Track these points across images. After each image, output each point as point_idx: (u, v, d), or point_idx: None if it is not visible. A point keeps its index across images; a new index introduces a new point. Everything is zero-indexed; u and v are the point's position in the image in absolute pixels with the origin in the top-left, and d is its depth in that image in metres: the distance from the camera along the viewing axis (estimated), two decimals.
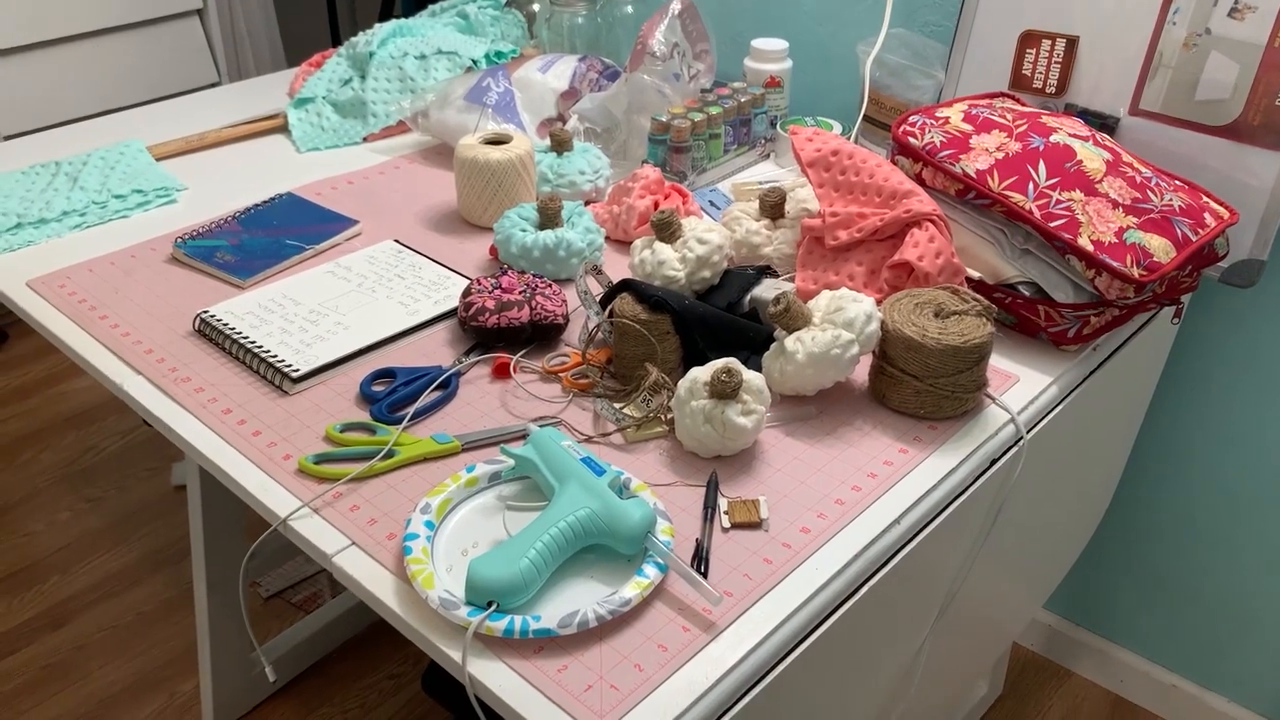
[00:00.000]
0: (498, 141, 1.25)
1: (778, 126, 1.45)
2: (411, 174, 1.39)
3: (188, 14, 2.47)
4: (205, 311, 1.06)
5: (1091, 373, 1.06)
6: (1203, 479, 1.45)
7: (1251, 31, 1.09)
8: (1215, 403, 1.39)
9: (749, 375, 0.89)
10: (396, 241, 1.20)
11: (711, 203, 1.33)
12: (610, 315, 0.99)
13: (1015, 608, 1.33)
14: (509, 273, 1.06)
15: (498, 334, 1.01)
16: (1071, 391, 1.03)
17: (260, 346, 1.00)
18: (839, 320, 0.92)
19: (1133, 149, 1.18)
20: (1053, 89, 1.24)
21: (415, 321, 1.06)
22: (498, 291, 1.04)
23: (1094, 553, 1.60)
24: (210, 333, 1.04)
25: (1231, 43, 1.11)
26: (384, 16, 2.41)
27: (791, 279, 1.10)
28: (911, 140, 1.10)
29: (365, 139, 1.48)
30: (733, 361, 0.89)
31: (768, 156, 1.46)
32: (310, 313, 1.07)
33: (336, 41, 2.70)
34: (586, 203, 1.31)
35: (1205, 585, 1.50)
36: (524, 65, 1.45)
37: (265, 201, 1.28)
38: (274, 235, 1.21)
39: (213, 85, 2.51)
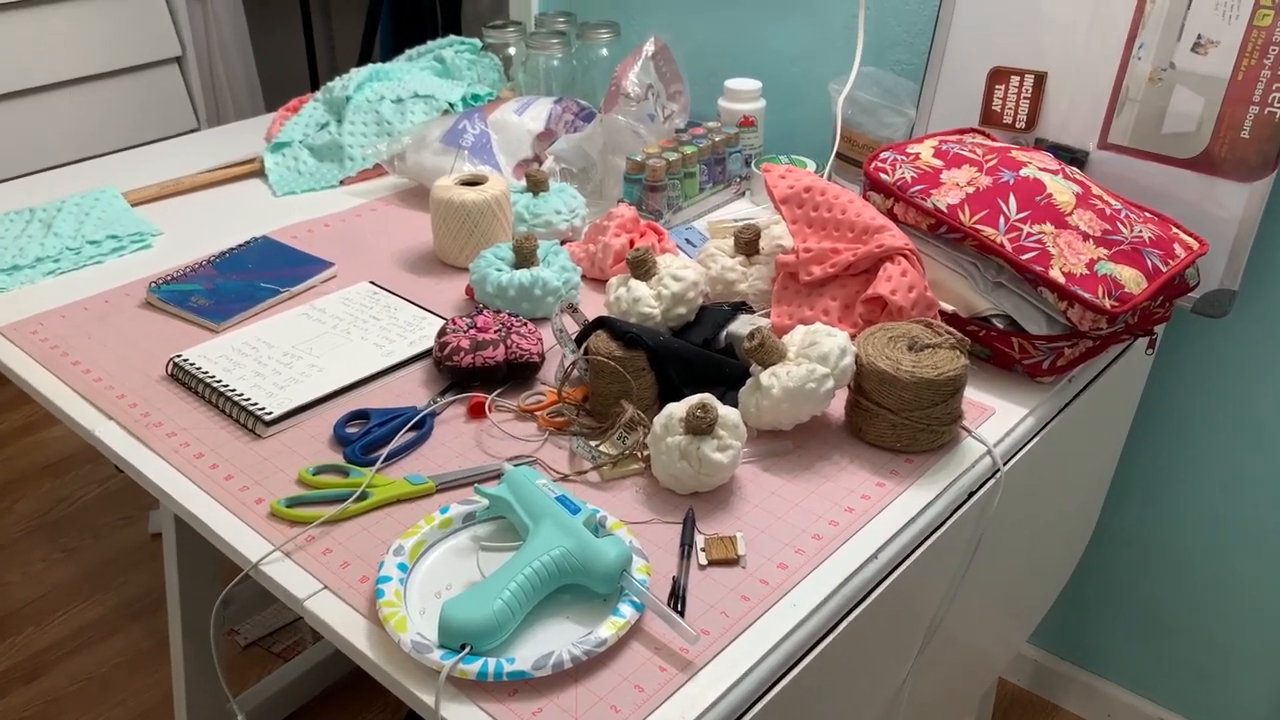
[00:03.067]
0: (474, 183, 1.26)
1: (752, 165, 1.46)
2: (388, 216, 1.39)
3: (167, 61, 2.48)
4: (178, 355, 1.05)
5: (1067, 404, 1.06)
6: (1185, 509, 1.45)
7: (1215, 65, 1.11)
8: (1193, 433, 1.40)
9: (724, 411, 0.89)
10: (372, 283, 1.20)
11: (688, 240, 1.34)
12: (586, 353, 0.99)
13: (999, 641, 1.32)
14: (484, 312, 1.06)
15: (473, 373, 1.01)
16: (1048, 423, 1.03)
17: (233, 390, 1.00)
18: (814, 355, 0.93)
19: (1103, 182, 1.20)
20: (1022, 124, 1.25)
21: (390, 362, 1.05)
22: (473, 331, 1.03)
23: (1078, 585, 1.60)
24: (183, 377, 1.03)
25: (1196, 77, 1.12)
26: (363, 61, 2.43)
27: (767, 315, 1.11)
28: (883, 176, 1.11)
29: (342, 182, 1.49)
30: (708, 397, 0.89)
31: (743, 194, 1.47)
32: (284, 355, 1.06)
33: (315, 86, 2.72)
34: (563, 242, 1.31)
35: (1191, 616, 1.50)
36: (500, 107, 1.46)
37: (240, 245, 1.28)
38: (249, 278, 1.20)
39: (192, 131, 2.52)
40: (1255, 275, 1.25)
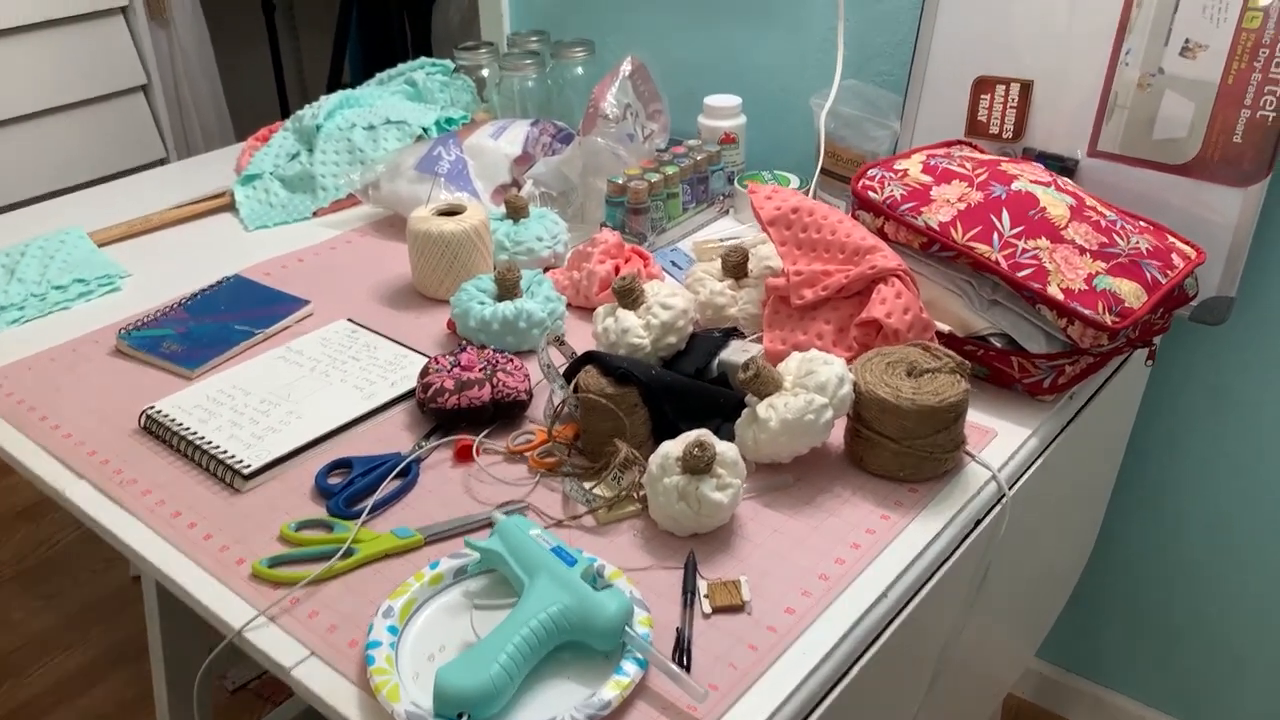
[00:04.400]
0: (451, 212, 1.22)
1: (735, 182, 1.43)
2: (364, 248, 1.35)
3: (132, 90, 2.43)
4: (151, 407, 1.01)
5: (1069, 422, 1.04)
6: (1186, 517, 1.43)
7: (1204, 69, 1.09)
8: (1193, 441, 1.37)
9: (722, 447, 0.85)
10: (350, 320, 1.17)
11: (673, 263, 1.31)
12: (575, 389, 0.95)
13: (1008, 661, 1.29)
14: (468, 349, 1.03)
15: (459, 415, 0.97)
16: (1051, 442, 1.01)
17: (209, 442, 0.96)
18: (811, 384, 0.90)
19: (1094, 190, 1.17)
20: (1009, 134, 1.23)
21: (372, 406, 1.02)
22: (457, 370, 1.00)
23: (1082, 596, 1.58)
24: (157, 430, 0.99)
25: (1185, 81, 1.10)
26: (332, 85, 2.39)
27: (759, 340, 1.08)
28: (871, 195, 1.08)
29: (315, 214, 1.45)
30: (705, 434, 0.86)
31: (727, 212, 1.44)
32: (261, 402, 1.02)
33: (285, 109, 2.67)
34: (545, 269, 1.28)
35: (1195, 625, 1.48)
36: (476, 132, 1.43)
37: (212, 285, 1.24)
38: (222, 321, 1.17)
39: (160, 161, 2.47)
40: (1252, 281, 1.23)
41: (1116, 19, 1.13)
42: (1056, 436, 1.02)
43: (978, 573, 0.94)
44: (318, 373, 1.07)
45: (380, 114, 1.51)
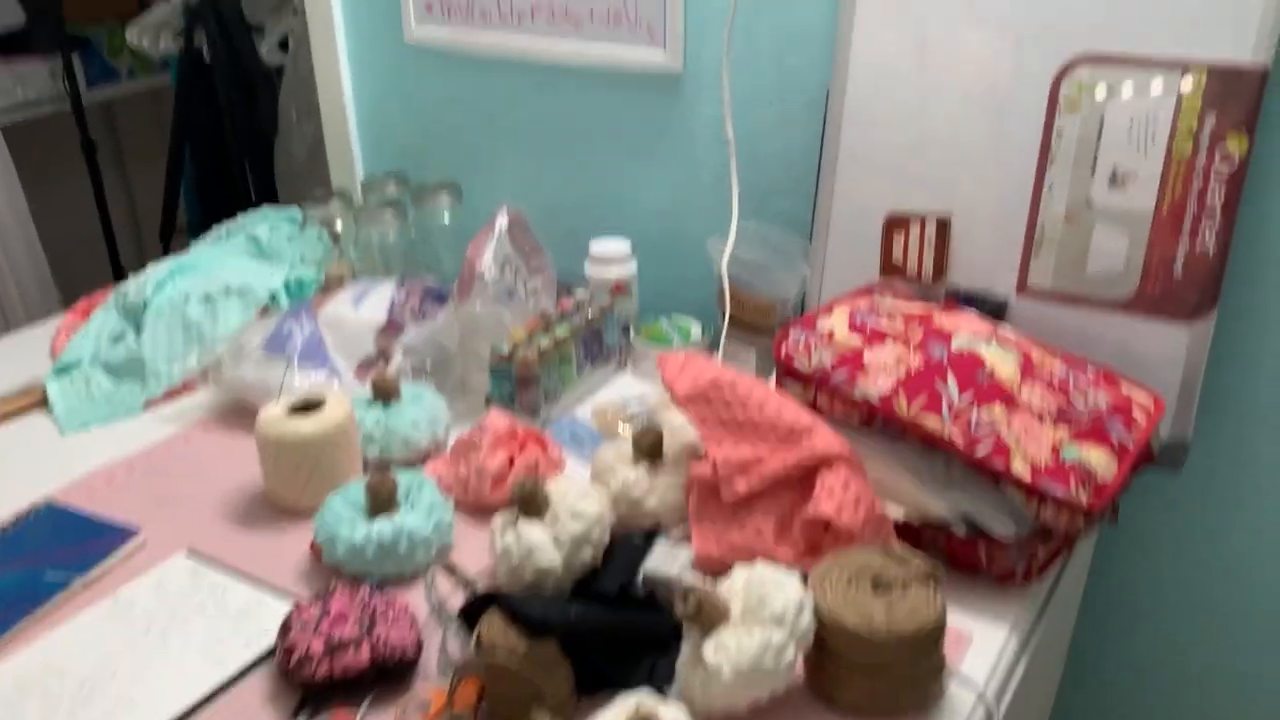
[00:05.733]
0: (308, 405, 1.04)
1: (631, 334, 1.29)
2: (206, 447, 1.15)
3: None
4: None
5: (1044, 607, 0.92)
6: (1143, 663, 1.32)
7: (1135, 200, 1.01)
8: (1147, 589, 1.27)
9: (669, 718, 0.69)
10: (191, 553, 0.96)
11: (574, 436, 1.15)
12: (478, 642, 0.78)
13: None
14: (338, 589, 0.85)
15: (332, 686, 0.78)
16: (1030, 637, 0.88)
17: None
18: (765, 615, 0.74)
19: (1029, 331, 1.06)
20: (930, 274, 1.12)
21: (224, 676, 0.82)
22: (326, 624, 0.81)
23: None
24: None
25: (1116, 212, 1.02)
26: (165, 233, 2.18)
27: (687, 539, 0.93)
28: (798, 364, 0.95)
29: (146, 405, 1.24)
30: (647, 705, 0.69)
31: (625, 367, 1.30)
32: (81, 685, 0.81)
33: (117, 263, 2.43)
34: (425, 459, 1.10)
35: None
36: (332, 300, 1.25)
37: (18, 519, 1.02)
38: (30, 566, 0.95)
39: None
40: (1208, 422, 1.13)
41: (1036, 147, 1.04)
42: (1035, 627, 0.89)
43: None
44: (153, 634, 0.86)
45: (219, 281, 1.31)
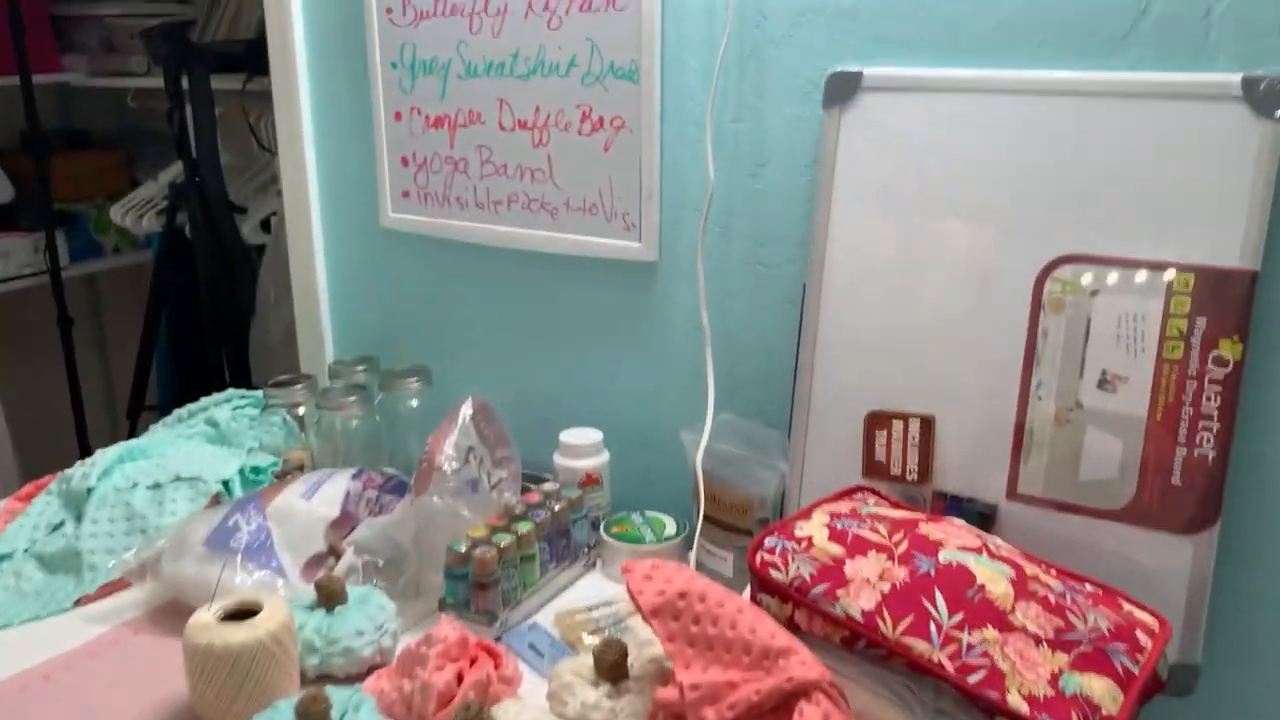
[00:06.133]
0: (244, 612, 0.96)
1: (602, 530, 1.22)
2: (134, 651, 1.06)
3: None
4: None
5: None
6: None
7: (1127, 404, 0.96)
8: None
9: None
10: None
11: (532, 646, 1.06)
12: None
13: None
14: None
15: None
16: None
17: None
18: None
19: (1021, 538, 0.99)
20: (914, 476, 1.06)
21: None
22: None
23: None
24: None
25: (1108, 416, 0.97)
26: (133, 411, 2.12)
27: None
28: (775, 574, 0.88)
29: (78, 602, 1.15)
30: None
31: (593, 566, 1.22)
32: None
33: (86, 450, 2.36)
34: (370, 670, 1.01)
35: None
36: (284, 491, 1.18)
37: None
38: None
39: None
40: (1217, 643, 1.04)
41: (1021, 348, 1.00)
42: None
43: None
44: None
45: (169, 468, 1.25)
